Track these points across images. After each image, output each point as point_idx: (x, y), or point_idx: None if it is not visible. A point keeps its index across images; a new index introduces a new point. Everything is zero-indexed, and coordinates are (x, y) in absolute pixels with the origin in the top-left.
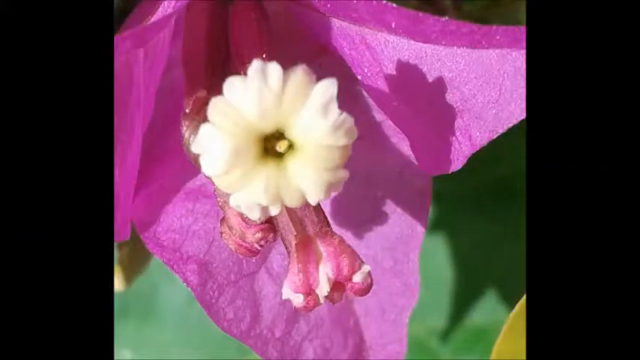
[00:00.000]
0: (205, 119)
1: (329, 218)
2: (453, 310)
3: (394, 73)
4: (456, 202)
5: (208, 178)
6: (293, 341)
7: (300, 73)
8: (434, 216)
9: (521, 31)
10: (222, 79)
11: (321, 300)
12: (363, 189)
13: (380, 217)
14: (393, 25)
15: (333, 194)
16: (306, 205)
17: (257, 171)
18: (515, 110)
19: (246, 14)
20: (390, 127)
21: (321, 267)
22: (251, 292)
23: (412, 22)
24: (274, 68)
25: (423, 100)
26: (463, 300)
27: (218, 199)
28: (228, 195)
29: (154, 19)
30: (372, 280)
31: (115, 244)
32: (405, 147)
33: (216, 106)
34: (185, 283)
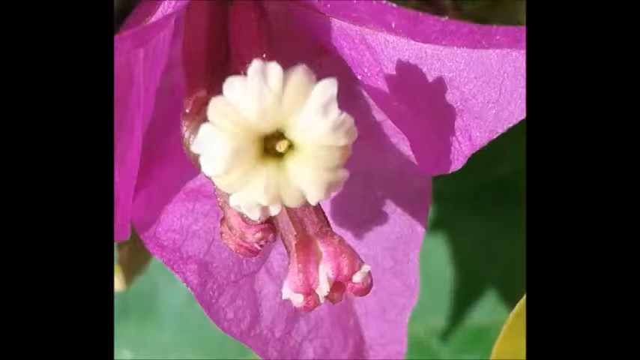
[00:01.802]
0: (205, 119)
1: (329, 218)
2: (453, 310)
3: (394, 73)
4: (456, 202)
5: (208, 178)
6: (293, 341)
7: (300, 73)
8: (434, 216)
9: (521, 31)
10: (222, 79)
11: (321, 300)
12: (363, 189)
13: (380, 217)
14: (393, 25)
15: (333, 194)
16: (306, 205)
17: (257, 171)
18: (515, 110)
19: (246, 14)
20: (390, 127)
21: (321, 267)
22: (251, 292)
23: (412, 22)
24: (274, 68)
25: (423, 100)
26: (463, 300)
27: (218, 199)
28: (228, 195)
29: (154, 19)
30: (372, 280)
31: (115, 244)
32: (405, 147)
33: (216, 106)
34: (185, 283)
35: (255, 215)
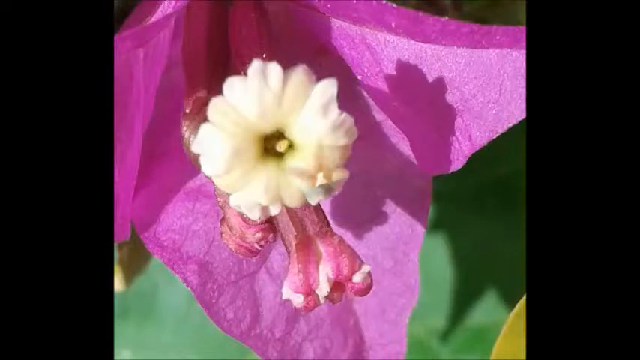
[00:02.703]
0: (205, 119)
1: (329, 218)
2: (453, 310)
3: (394, 73)
4: (456, 202)
5: (208, 178)
6: (293, 341)
7: (300, 73)
8: (434, 216)
9: (521, 31)
10: (222, 79)
11: (321, 300)
12: (363, 189)
13: (380, 217)
14: (393, 25)
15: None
16: (306, 205)
17: (257, 171)
18: (515, 110)
19: (246, 14)
20: (390, 127)
21: (321, 267)
22: (251, 292)
23: (412, 22)
24: (274, 68)
25: (423, 100)
26: (463, 300)
27: (218, 199)
28: (228, 195)
29: (154, 19)
30: (372, 280)
31: (115, 244)
32: (405, 147)
33: (216, 106)
34: (185, 283)
35: (255, 215)
